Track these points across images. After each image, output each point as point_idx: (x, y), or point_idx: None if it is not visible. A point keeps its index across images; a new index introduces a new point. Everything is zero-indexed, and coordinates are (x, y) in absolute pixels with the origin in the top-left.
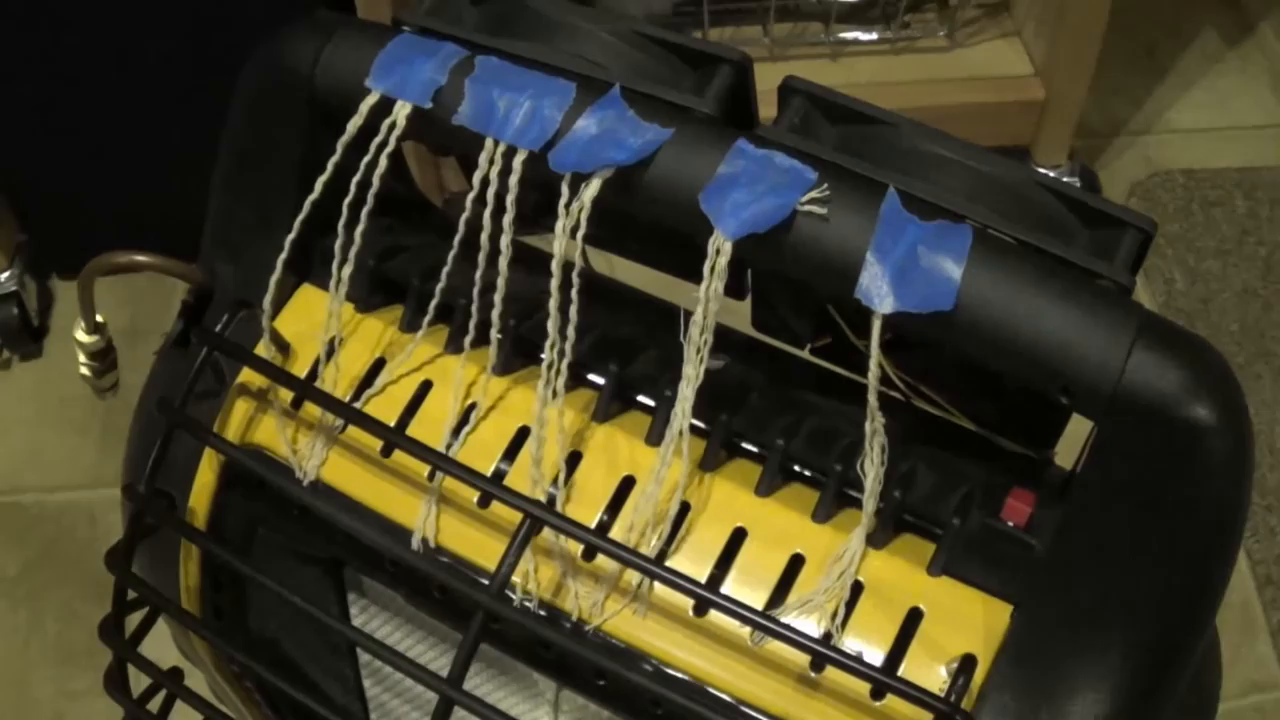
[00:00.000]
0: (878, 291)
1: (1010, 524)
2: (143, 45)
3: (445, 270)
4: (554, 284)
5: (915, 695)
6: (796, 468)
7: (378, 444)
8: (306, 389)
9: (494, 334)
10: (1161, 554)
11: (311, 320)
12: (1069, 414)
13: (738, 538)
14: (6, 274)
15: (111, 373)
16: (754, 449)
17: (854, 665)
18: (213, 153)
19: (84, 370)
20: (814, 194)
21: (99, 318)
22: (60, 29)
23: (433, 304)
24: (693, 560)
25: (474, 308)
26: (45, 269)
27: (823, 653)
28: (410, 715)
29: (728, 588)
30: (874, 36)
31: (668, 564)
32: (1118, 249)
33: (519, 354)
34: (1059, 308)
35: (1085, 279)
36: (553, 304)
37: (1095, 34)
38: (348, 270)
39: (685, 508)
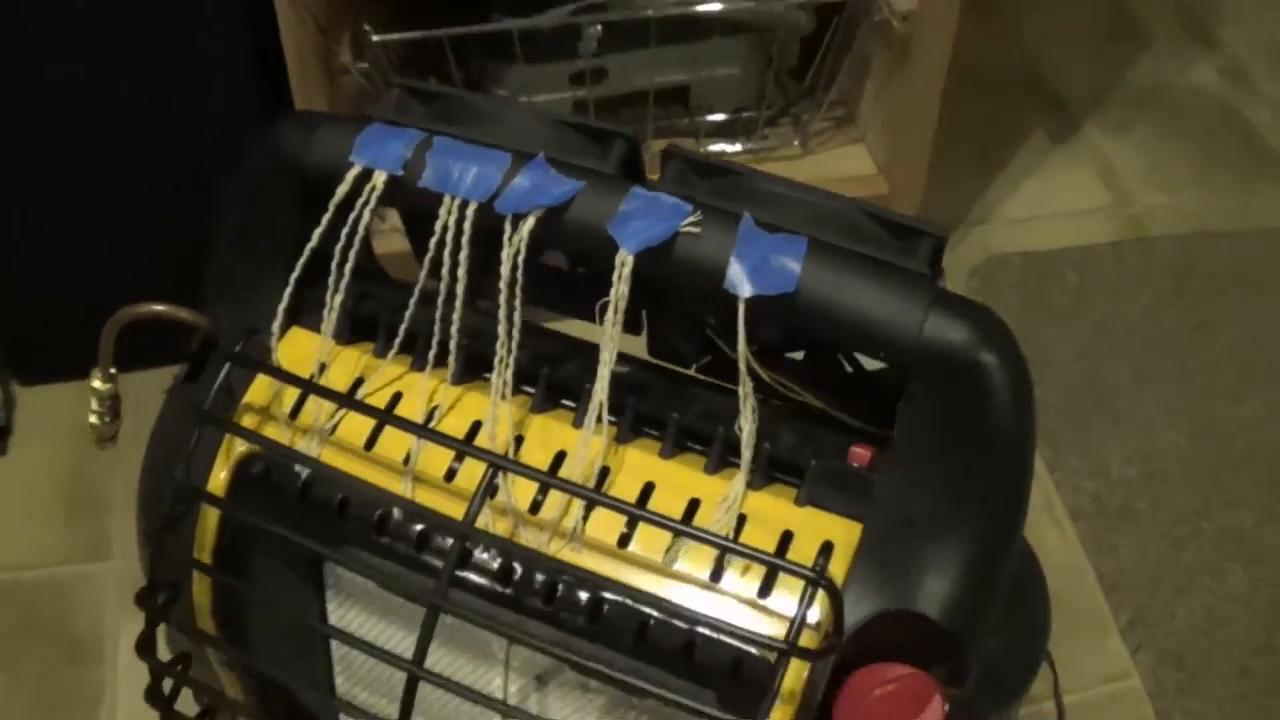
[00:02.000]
0: (740, 283)
1: (856, 465)
2: (97, 148)
3: (411, 302)
4: (503, 298)
5: (793, 569)
6: (689, 442)
7: (361, 441)
8: (311, 387)
9: (452, 347)
10: (970, 465)
11: (301, 353)
12: (896, 398)
13: (648, 489)
14: None
15: (116, 422)
16: (654, 430)
17: (748, 551)
18: (166, 255)
19: (93, 419)
20: (690, 219)
21: (111, 369)
22: (17, 135)
23: (401, 331)
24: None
25: (435, 330)
26: (4, 375)
27: (727, 546)
28: (378, 704)
29: (642, 525)
30: (738, 148)
31: (596, 504)
32: (917, 250)
33: (470, 370)
34: (872, 288)
35: (893, 269)
36: (502, 313)
37: (927, 137)
38: (337, 302)
39: (605, 470)
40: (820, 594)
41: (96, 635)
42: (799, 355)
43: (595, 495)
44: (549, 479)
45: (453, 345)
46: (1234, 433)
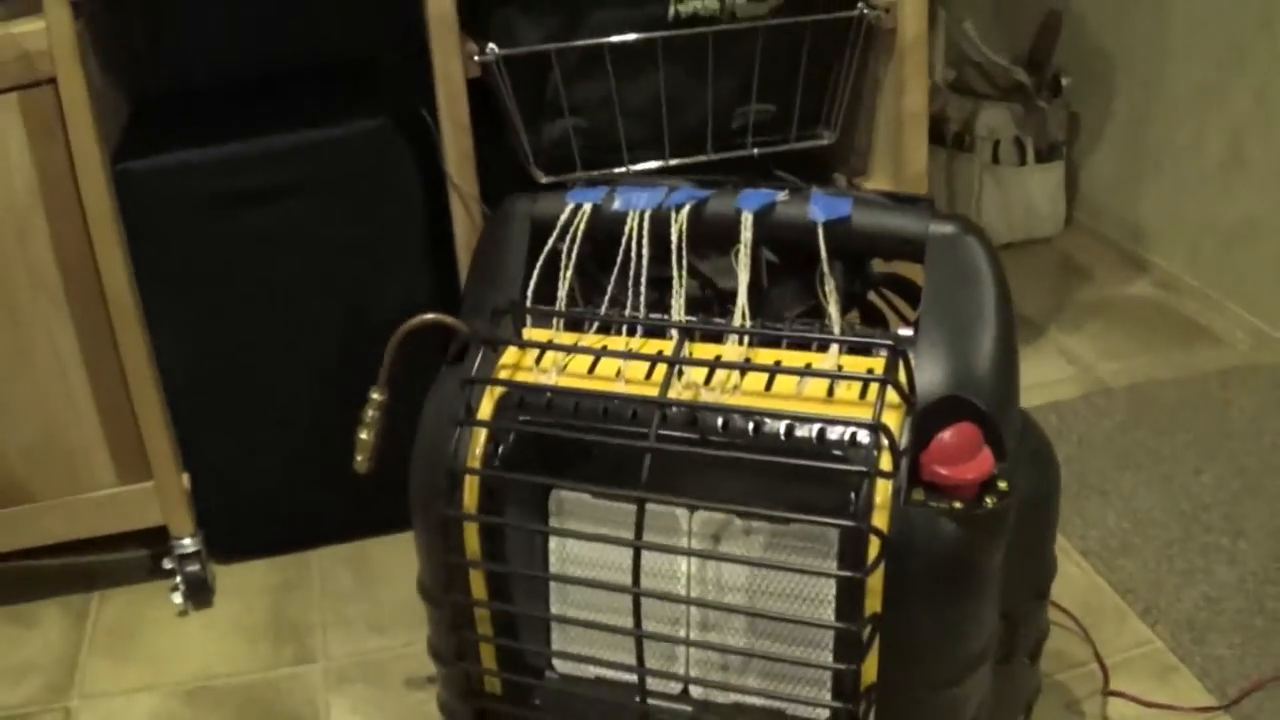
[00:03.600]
0: (817, 215)
1: (904, 332)
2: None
3: (608, 294)
4: (674, 254)
5: (879, 343)
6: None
7: (584, 370)
8: (549, 346)
9: (642, 303)
10: (973, 301)
11: (532, 339)
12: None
13: (778, 363)
14: (190, 539)
15: (378, 439)
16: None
17: (849, 338)
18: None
19: (362, 434)
20: (782, 196)
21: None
22: (239, 345)
23: (600, 314)
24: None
25: (629, 298)
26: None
27: (834, 375)
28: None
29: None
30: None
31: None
32: (919, 202)
33: (649, 334)
34: (893, 211)
35: (905, 200)
36: (674, 261)
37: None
38: (562, 292)
39: (747, 360)
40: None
41: (312, 709)
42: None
43: (746, 365)
44: (728, 326)
45: (642, 300)
46: (1197, 493)
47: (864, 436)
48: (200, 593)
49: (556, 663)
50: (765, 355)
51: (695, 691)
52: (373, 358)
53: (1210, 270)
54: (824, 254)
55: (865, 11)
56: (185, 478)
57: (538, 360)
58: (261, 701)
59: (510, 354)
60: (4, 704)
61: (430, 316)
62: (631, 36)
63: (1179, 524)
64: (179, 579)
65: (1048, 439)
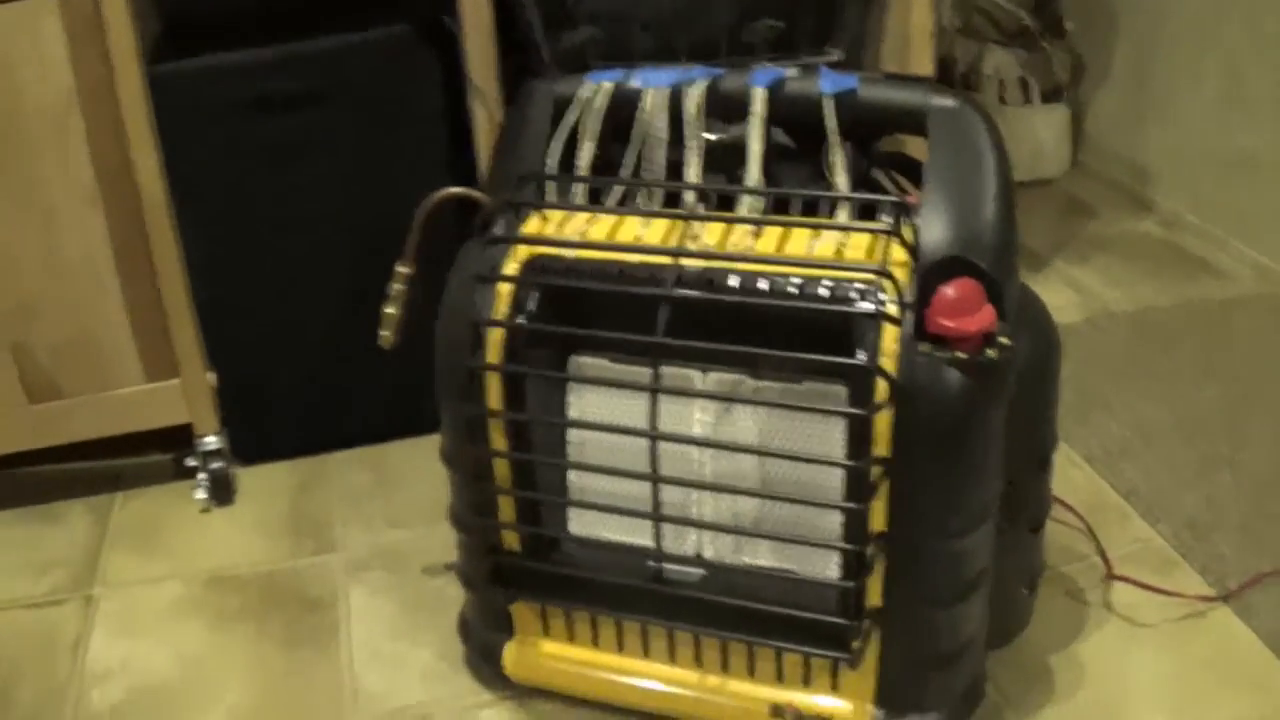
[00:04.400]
0: (825, 87)
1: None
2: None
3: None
4: (691, 123)
5: (881, 198)
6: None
7: (604, 237)
8: (571, 207)
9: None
10: (973, 162)
11: (554, 212)
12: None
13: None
14: (214, 436)
15: (402, 313)
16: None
17: (863, 197)
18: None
19: (388, 309)
20: (791, 70)
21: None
22: (264, 249)
23: (620, 180)
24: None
25: (643, 165)
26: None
27: (849, 226)
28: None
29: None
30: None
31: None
32: (922, 81)
33: (665, 204)
34: (896, 84)
35: (906, 78)
36: (687, 131)
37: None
38: (583, 161)
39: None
40: (899, 252)
41: (331, 594)
42: None
43: (760, 219)
44: (738, 188)
45: (659, 167)
46: (1199, 406)
47: (871, 291)
48: (223, 491)
49: (573, 524)
50: (776, 228)
51: (708, 552)
52: (393, 264)
53: (1212, 207)
54: (831, 125)
55: None
56: (211, 376)
57: (560, 227)
58: (282, 588)
59: (533, 222)
60: (28, 594)
61: (457, 190)
62: None
63: (1180, 434)
64: (202, 476)
65: (1047, 311)
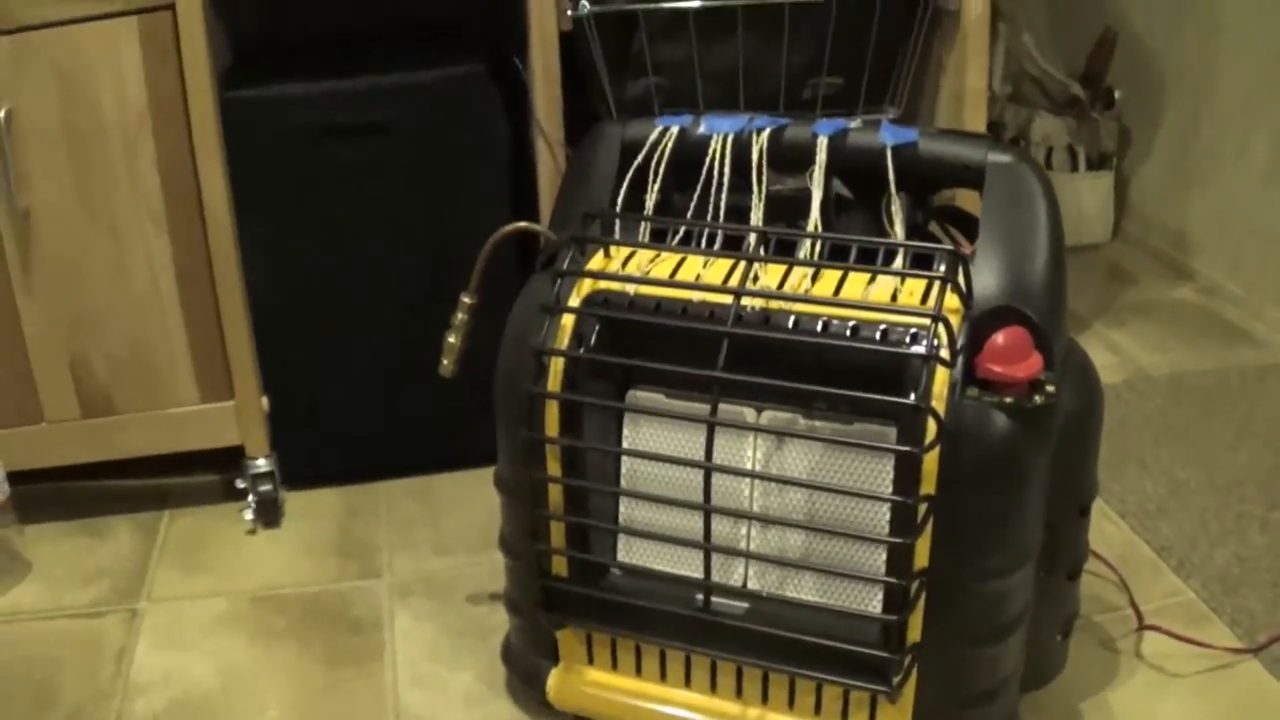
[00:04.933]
0: (886, 140)
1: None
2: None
3: (691, 206)
4: (754, 172)
5: (936, 247)
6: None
7: (665, 274)
8: (636, 244)
9: (721, 212)
10: (1026, 219)
11: (618, 250)
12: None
13: (846, 274)
14: (264, 459)
15: (463, 343)
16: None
17: (917, 245)
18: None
19: (450, 338)
20: (855, 123)
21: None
22: (323, 275)
23: (681, 230)
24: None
25: (709, 211)
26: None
27: (904, 273)
28: (651, 517)
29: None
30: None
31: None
32: (980, 137)
33: (726, 247)
34: (956, 140)
35: (965, 134)
36: (754, 177)
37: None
38: (651, 202)
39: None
40: (951, 299)
41: (375, 617)
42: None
43: (819, 263)
44: (798, 233)
45: (721, 215)
46: (1233, 468)
47: (924, 335)
48: (270, 513)
49: (621, 554)
50: (834, 273)
51: (754, 584)
52: (452, 296)
53: (1252, 277)
54: (891, 175)
55: None
56: (265, 400)
57: (624, 265)
58: (327, 609)
59: (597, 259)
60: (73, 604)
61: (524, 225)
62: (715, 2)
63: (1214, 494)
64: (251, 498)
65: (1091, 362)
